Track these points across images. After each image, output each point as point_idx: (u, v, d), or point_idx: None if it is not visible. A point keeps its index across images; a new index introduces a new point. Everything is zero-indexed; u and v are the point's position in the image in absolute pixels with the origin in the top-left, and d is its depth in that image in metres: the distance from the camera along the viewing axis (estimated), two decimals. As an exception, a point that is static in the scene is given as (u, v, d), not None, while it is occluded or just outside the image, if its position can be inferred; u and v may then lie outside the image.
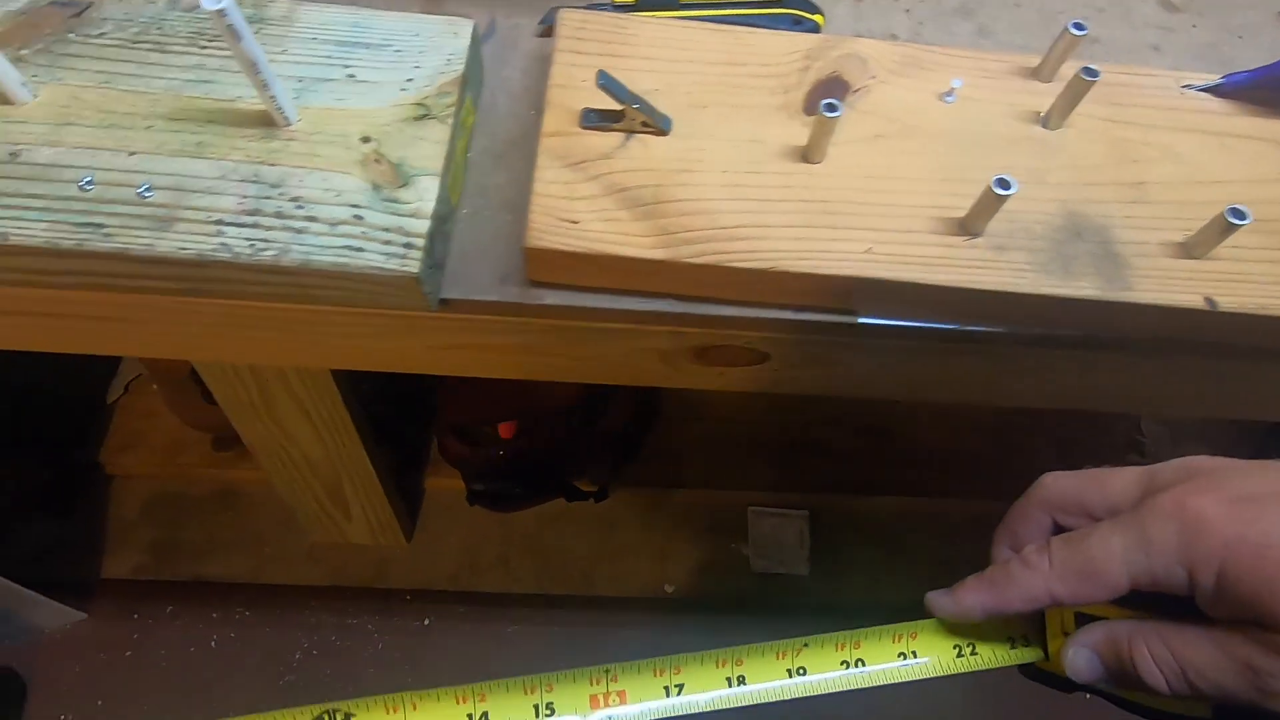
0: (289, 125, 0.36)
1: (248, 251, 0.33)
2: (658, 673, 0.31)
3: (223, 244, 0.33)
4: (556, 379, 0.43)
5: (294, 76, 0.38)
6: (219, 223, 0.34)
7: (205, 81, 0.37)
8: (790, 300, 0.37)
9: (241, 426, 0.72)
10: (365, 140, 0.37)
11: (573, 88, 0.39)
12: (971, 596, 0.29)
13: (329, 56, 0.39)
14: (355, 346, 0.40)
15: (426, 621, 1.18)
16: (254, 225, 0.34)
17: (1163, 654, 0.24)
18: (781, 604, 1.25)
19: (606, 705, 0.30)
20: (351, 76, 0.38)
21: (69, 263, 0.33)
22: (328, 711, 0.30)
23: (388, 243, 0.34)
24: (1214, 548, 0.23)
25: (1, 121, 0.35)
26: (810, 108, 0.40)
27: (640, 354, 0.41)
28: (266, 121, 0.37)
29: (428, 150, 0.36)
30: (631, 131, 0.38)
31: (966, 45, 0.49)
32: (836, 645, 0.30)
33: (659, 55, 0.41)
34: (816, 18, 0.46)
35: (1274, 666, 0.23)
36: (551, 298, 0.37)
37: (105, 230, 0.33)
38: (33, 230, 0.33)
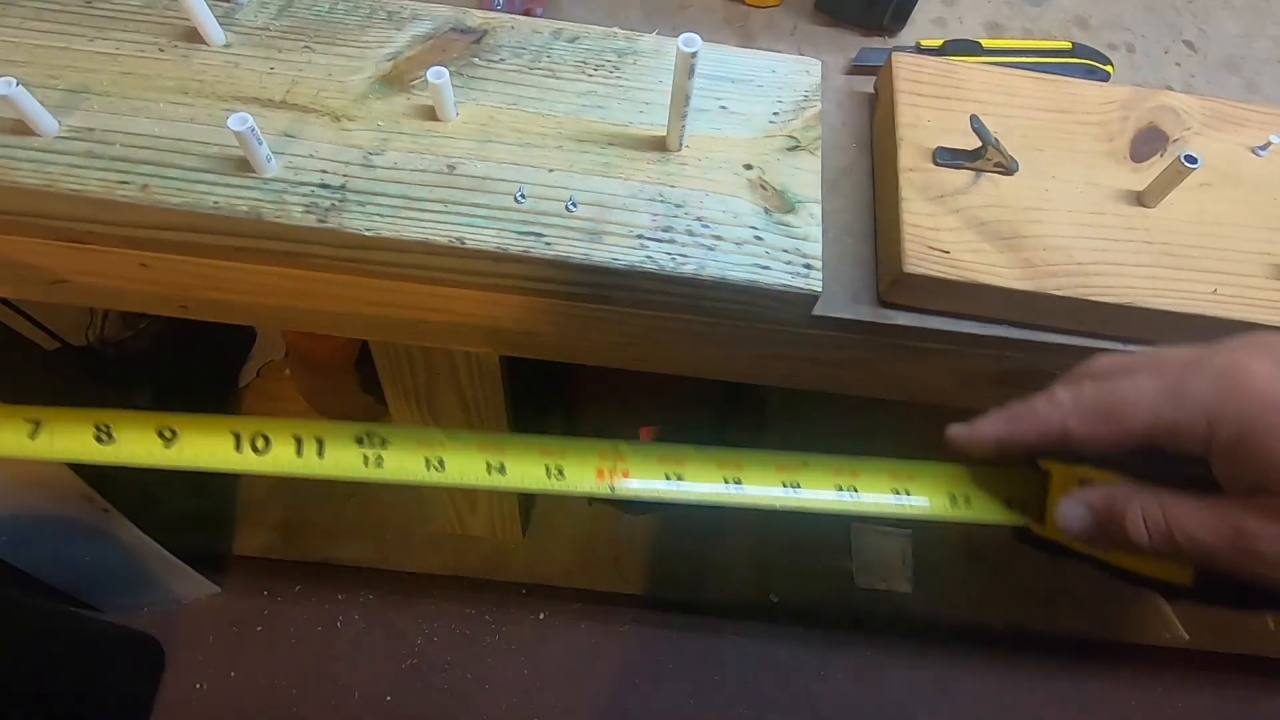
0: (679, 150, 0.40)
1: (670, 265, 0.37)
2: (661, 460, 0.33)
3: (648, 256, 0.37)
4: (871, 394, 0.47)
5: (675, 106, 0.42)
6: (640, 237, 0.37)
7: (599, 107, 0.41)
8: (1123, 333, 0.41)
9: (398, 414, 0.76)
10: (748, 167, 0.40)
11: (920, 127, 0.42)
12: (988, 426, 0.28)
13: (701, 89, 0.43)
14: (723, 356, 0.44)
15: (541, 615, 1.21)
16: (670, 241, 0.37)
17: (1155, 514, 0.24)
18: (884, 620, 1.27)
19: (611, 478, 0.32)
20: (724, 108, 0.42)
21: (509, 267, 0.37)
22: (367, 434, 0.33)
23: (789, 263, 0.37)
24: (1247, 403, 0.22)
25: (435, 136, 0.39)
26: (1137, 154, 0.43)
27: (949, 373, 0.45)
28: (659, 146, 0.40)
29: (806, 179, 0.40)
30: (981, 170, 0.41)
31: (1237, 98, 0.52)
32: (834, 470, 0.30)
33: (990, 100, 0.44)
34: (1108, 68, 0.49)
35: (1264, 529, 0.22)
36: (902, 318, 0.41)
37: (545, 239, 0.37)
38: (483, 236, 0.37)
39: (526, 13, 0.48)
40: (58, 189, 0.36)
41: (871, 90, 0.48)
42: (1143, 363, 0.26)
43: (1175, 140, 0.44)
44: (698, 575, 1.27)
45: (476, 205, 0.37)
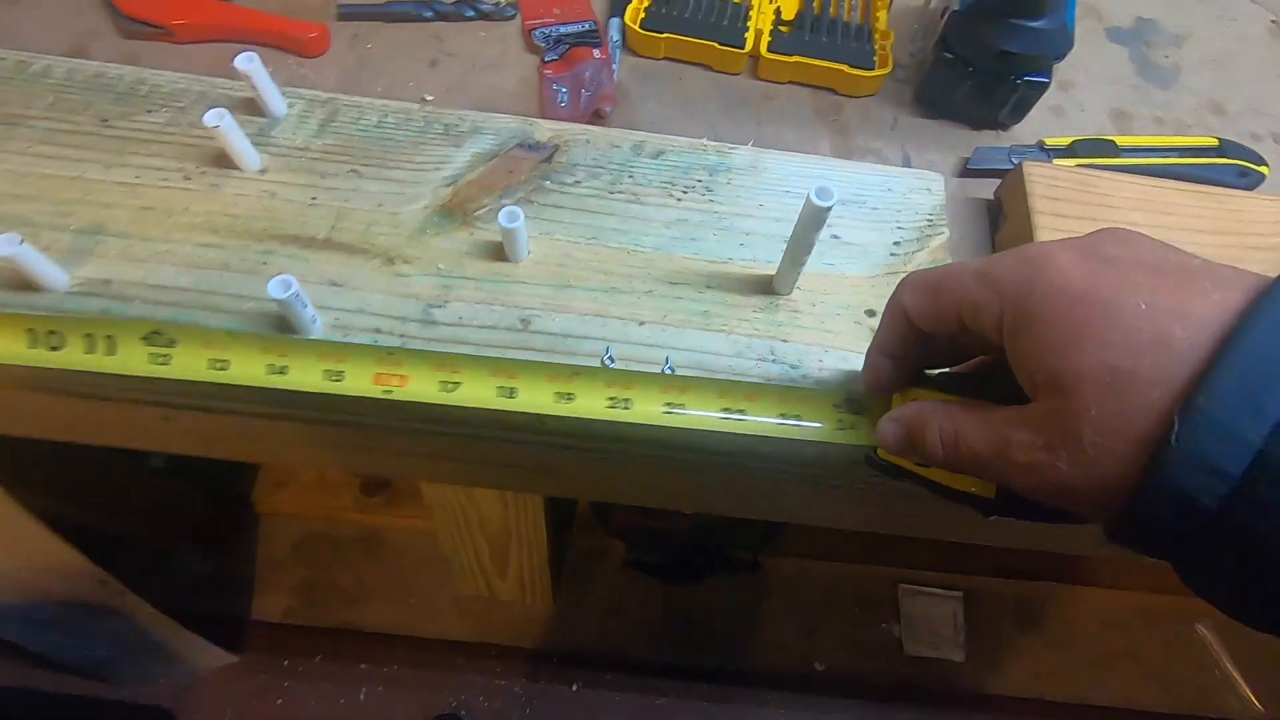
0: (789, 294, 0.34)
1: (791, 448, 0.31)
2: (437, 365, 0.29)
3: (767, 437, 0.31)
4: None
5: (780, 236, 0.36)
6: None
7: (691, 239, 0.35)
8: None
9: (430, 488, 0.70)
10: (870, 314, 0.34)
11: (1064, 256, 0.36)
12: (868, 357, 0.28)
13: (808, 213, 0.37)
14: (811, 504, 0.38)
15: (574, 687, 1.15)
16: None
17: (947, 428, 0.24)
18: (935, 691, 1.20)
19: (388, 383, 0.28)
20: (836, 238, 0.36)
21: (592, 441, 0.31)
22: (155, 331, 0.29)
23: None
24: (1039, 287, 0.22)
25: (506, 282, 0.34)
26: (1321, 288, 0.37)
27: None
28: (764, 288, 0.34)
29: (939, 328, 0.34)
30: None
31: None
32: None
33: (1141, 222, 0.38)
34: (1262, 169, 0.43)
35: (1022, 438, 0.22)
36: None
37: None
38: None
39: (596, 114, 0.42)
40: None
41: (992, 198, 0.42)
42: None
43: (1364, 267, 0.37)
44: (738, 643, 1.21)
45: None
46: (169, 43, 0.43)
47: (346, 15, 0.46)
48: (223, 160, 0.35)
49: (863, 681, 1.18)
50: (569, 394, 0.30)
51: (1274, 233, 0.38)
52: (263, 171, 0.36)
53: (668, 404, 0.29)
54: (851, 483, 0.33)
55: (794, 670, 1.18)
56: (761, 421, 0.29)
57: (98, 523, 0.98)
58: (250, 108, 0.37)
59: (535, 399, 0.30)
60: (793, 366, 0.33)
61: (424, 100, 0.43)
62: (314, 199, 0.35)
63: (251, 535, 1.22)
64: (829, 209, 0.28)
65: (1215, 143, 0.43)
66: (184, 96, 0.37)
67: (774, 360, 0.33)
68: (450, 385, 0.29)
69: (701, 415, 0.29)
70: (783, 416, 0.29)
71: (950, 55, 0.42)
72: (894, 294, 0.27)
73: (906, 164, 0.44)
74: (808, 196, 0.28)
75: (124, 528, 1.04)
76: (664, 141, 0.38)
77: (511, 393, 0.30)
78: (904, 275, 0.26)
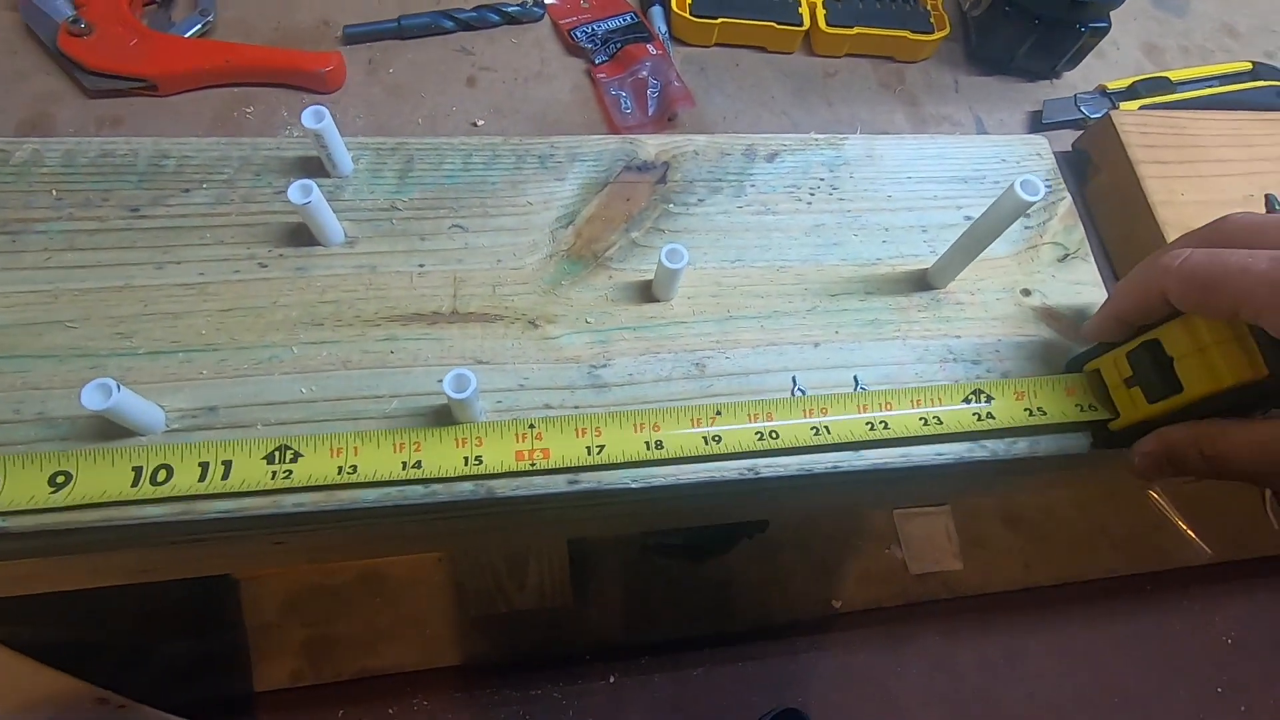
0: (945, 287, 0.33)
1: (1003, 449, 0.30)
2: (579, 433, 0.28)
3: (979, 444, 0.30)
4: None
5: (918, 226, 0.34)
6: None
7: (834, 244, 0.33)
8: None
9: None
10: (1026, 293, 0.33)
11: (1175, 204, 0.37)
12: (1107, 307, 0.29)
13: (936, 197, 0.35)
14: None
15: (611, 679, 1.14)
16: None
17: (1209, 452, 0.26)
18: (943, 603, 1.28)
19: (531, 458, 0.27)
20: (969, 219, 0.35)
21: (801, 482, 0.29)
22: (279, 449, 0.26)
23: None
24: None
25: (664, 325, 0.30)
26: (1392, 198, 0.39)
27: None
28: (919, 284, 0.33)
29: (1093, 297, 0.34)
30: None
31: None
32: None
33: (1232, 156, 0.39)
34: (1296, 86, 0.45)
35: None
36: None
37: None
38: (778, 462, 0.28)
39: (670, 119, 0.39)
40: (194, 519, 0.25)
41: (1071, 149, 0.42)
42: (1267, 237, 0.25)
43: None
44: (761, 601, 1.23)
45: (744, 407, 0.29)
46: (153, 97, 0.36)
47: (353, 38, 0.39)
48: (299, 237, 0.30)
49: (879, 609, 1.24)
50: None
51: (1342, 151, 0.40)
52: (350, 243, 0.30)
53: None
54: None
55: (817, 613, 1.22)
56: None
57: (74, 635, 0.88)
58: (308, 168, 0.31)
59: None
60: (974, 363, 0.31)
61: (474, 125, 0.38)
62: (421, 266, 0.30)
63: (234, 606, 1.12)
64: (1034, 203, 0.27)
65: (1249, 66, 0.45)
66: (223, 166, 0.31)
67: (954, 359, 0.31)
68: (596, 448, 0.27)
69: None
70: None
71: (1010, 8, 0.41)
72: (1150, 273, 0.26)
73: (980, 127, 0.43)
74: (1012, 188, 0.27)
75: (101, 633, 0.93)
76: (774, 142, 0.35)
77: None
78: (1167, 256, 0.25)
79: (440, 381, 0.25)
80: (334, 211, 0.30)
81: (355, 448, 0.26)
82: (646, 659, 1.17)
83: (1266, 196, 0.34)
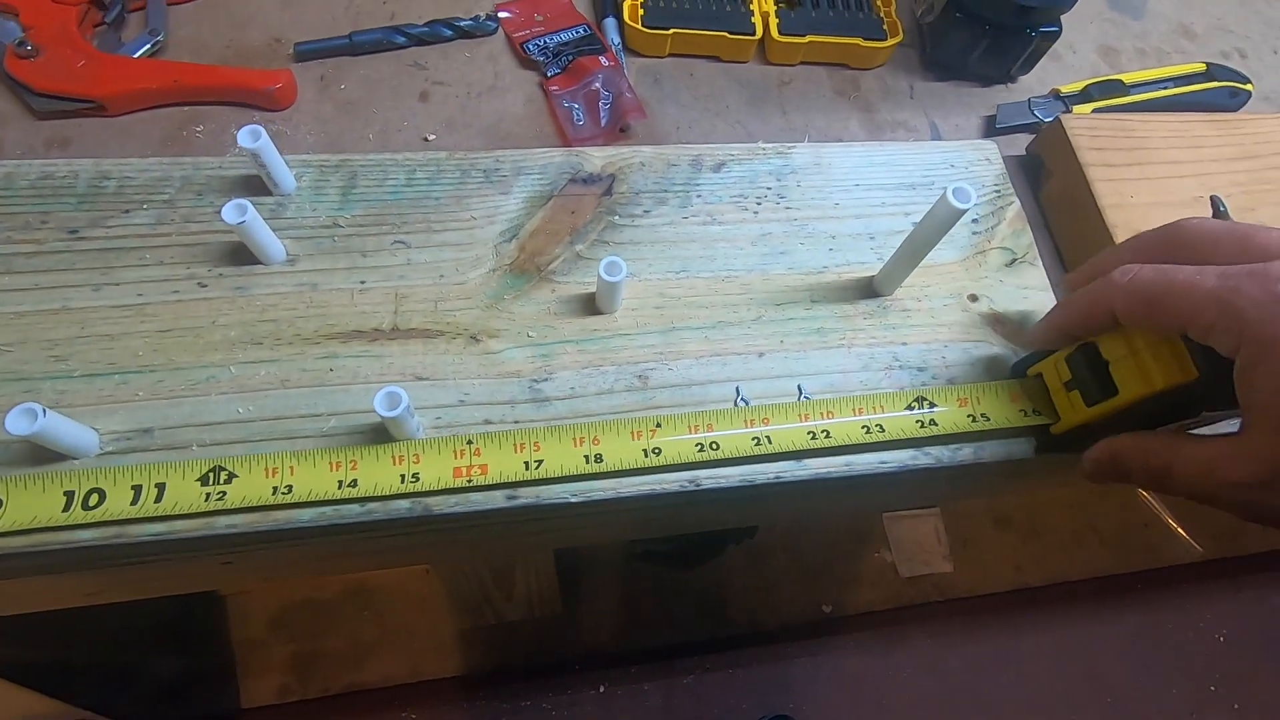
0: (892, 295, 0.33)
1: (948, 456, 0.30)
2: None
3: (923, 451, 0.30)
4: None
5: (865, 234, 0.34)
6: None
7: (781, 253, 0.33)
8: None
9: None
10: (974, 299, 0.34)
11: (1125, 206, 0.37)
12: (1053, 316, 0.29)
13: (884, 204, 0.35)
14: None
15: (601, 689, 1.14)
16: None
17: (1154, 463, 0.26)
18: (934, 605, 1.27)
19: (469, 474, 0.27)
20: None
21: (738, 493, 0.29)
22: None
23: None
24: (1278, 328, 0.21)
25: (607, 338, 0.30)
26: (1342, 196, 0.39)
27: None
28: (866, 291, 0.33)
29: (1040, 302, 0.34)
30: (1209, 248, 0.36)
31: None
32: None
33: (1181, 158, 0.39)
34: (1248, 87, 0.45)
35: (1240, 474, 0.23)
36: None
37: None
38: (719, 473, 0.28)
39: (622, 130, 0.39)
40: (128, 542, 0.25)
41: (1025, 153, 0.42)
42: (1220, 248, 0.25)
43: (1368, 169, 0.40)
44: (751, 606, 1.23)
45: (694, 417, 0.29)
46: (102, 117, 0.36)
47: (305, 55, 0.40)
48: (240, 256, 0.30)
49: (870, 613, 1.24)
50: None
51: (1289, 149, 0.40)
52: (291, 261, 0.30)
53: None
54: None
55: (807, 618, 1.21)
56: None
57: (58, 657, 0.87)
58: (251, 187, 0.31)
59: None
60: (919, 369, 0.31)
61: (425, 140, 0.38)
62: (363, 283, 0.30)
63: (221, 622, 1.12)
64: (966, 210, 0.27)
65: (1203, 68, 0.45)
66: (165, 186, 0.31)
67: (899, 367, 0.31)
68: (535, 463, 0.27)
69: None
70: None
71: (962, 15, 0.42)
72: (1097, 290, 0.26)
73: (935, 132, 0.43)
74: (944, 197, 0.27)
75: (84, 653, 0.92)
76: (721, 152, 0.35)
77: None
78: (1116, 272, 0.25)
79: (374, 398, 0.25)
80: (275, 229, 0.30)
81: (291, 467, 0.26)
82: (636, 667, 1.16)
83: (1211, 198, 0.34)
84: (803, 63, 0.44)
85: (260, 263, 0.30)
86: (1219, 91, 0.44)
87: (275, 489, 0.26)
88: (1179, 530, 1.37)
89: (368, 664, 1.10)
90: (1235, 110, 0.45)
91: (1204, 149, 0.39)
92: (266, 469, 0.26)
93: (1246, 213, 0.38)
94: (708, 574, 1.20)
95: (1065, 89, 0.44)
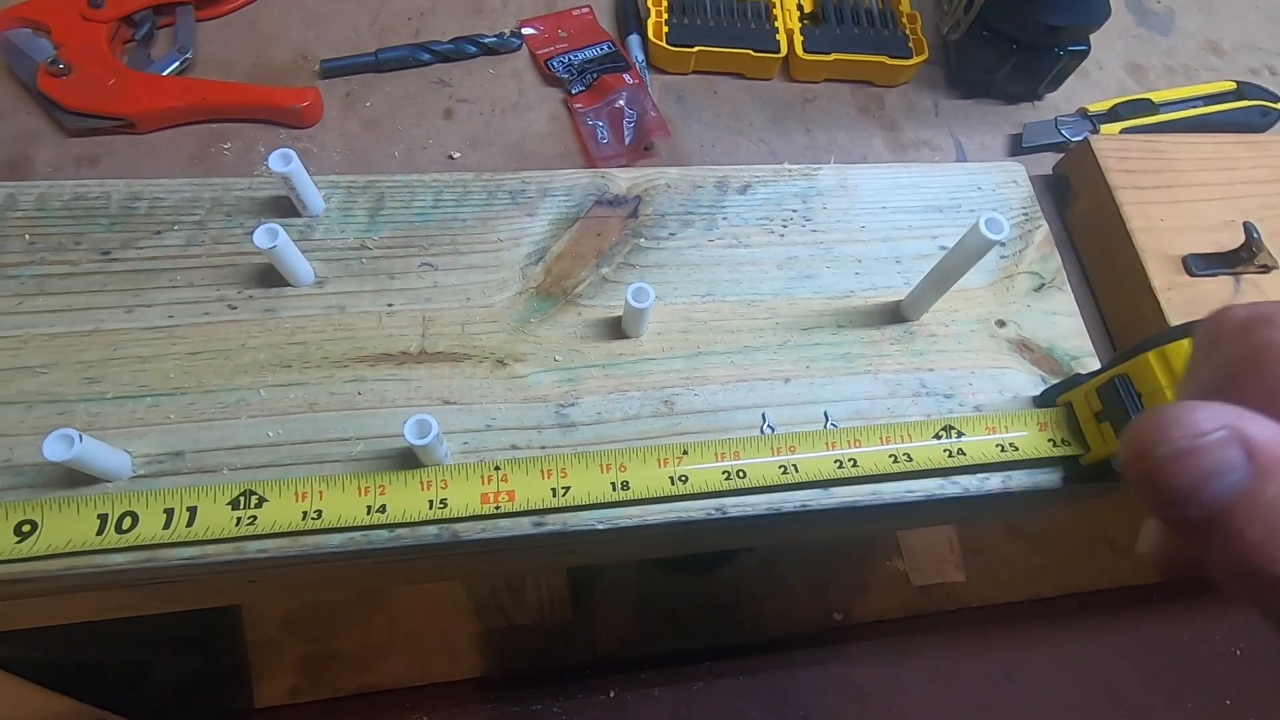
0: (918, 320, 0.33)
1: (976, 485, 0.30)
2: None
3: (951, 480, 0.29)
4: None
5: (891, 258, 0.34)
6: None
7: (807, 277, 0.33)
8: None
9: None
10: (1001, 324, 0.33)
11: (1154, 230, 0.37)
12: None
13: (910, 227, 0.35)
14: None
15: (612, 694, 1.14)
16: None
17: None
18: (945, 614, 1.27)
19: (496, 501, 0.27)
20: (944, 248, 0.35)
21: (765, 521, 0.29)
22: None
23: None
24: None
25: (633, 362, 0.30)
26: (1375, 220, 0.39)
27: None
28: (893, 316, 0.33)
29: (1069, 327, 0.33)
30: (1241, 274, 0.36)
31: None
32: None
33: (1212, 180, 0.38)
34: (1278, 105, 0.44)
35: None
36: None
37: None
38: (746, 501, 0.28)
39: (646, 149, 0.39)
40: (160, 566, 0.25)
41: (1051, 173, 0.41)
42: None
43: (1402, 193, 0.40)
44: (761, 614, 1.23)
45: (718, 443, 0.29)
46: (132, 135, 0.36)
47: (331, 72, 0.40)
48: (269, 278, 0.30)
49: (880, 621, 1.23)
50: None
51: (1322, 172, 0.40)
52: (320, 283, 0.31)
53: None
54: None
55: (817, 626, 1.21)
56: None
57: (74, 656, 0.88)
58: (280, 208, 0.32)
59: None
60: (946, 396, 0.31)
61: (450, 158, 0.38)
62: (390, 305, 0.30)
63: (235, 622, 1.13)
64: (998, 242, 0.26)
65: (1234, 86, 0.45)
66: (194, 207, 0.31)
67: (927, 394, 0.31)
68: (562, 490, 0.27)
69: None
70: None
71: (989, 33, 0.41)
72: (1244, 336, 0.17)
73: (959, 151, 0.43)
74: (976, 227, 0.27)
75: (101, 654, 0.93)
76: (747, 173, 0.35)
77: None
78: (1208, 317, 0.17)
79: (404, 425, 0.25)
80: (304, 251, 0.30)
81: (320, 492, 0.26)
82: (646, 673, 1.16)
83: (1245, 225, 0.34)
84: (827, 80, 0.44)
85: (289, 285, 0.30)
86: (1250, 111, 0.44)
87: (305, 514, 0.26)
88: (1195, 542, 1.35)
89: (378, 666, 1.10)
90: (1266, 129, 0.45)
91: (1235, 170, 0.39)
92: (296, 493, 0.26)
93: (1277, 236, 0.37)
94: (719, 581, 1.20)
95: (1093, 108, 0.43)
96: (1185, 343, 0.26)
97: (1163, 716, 1.23)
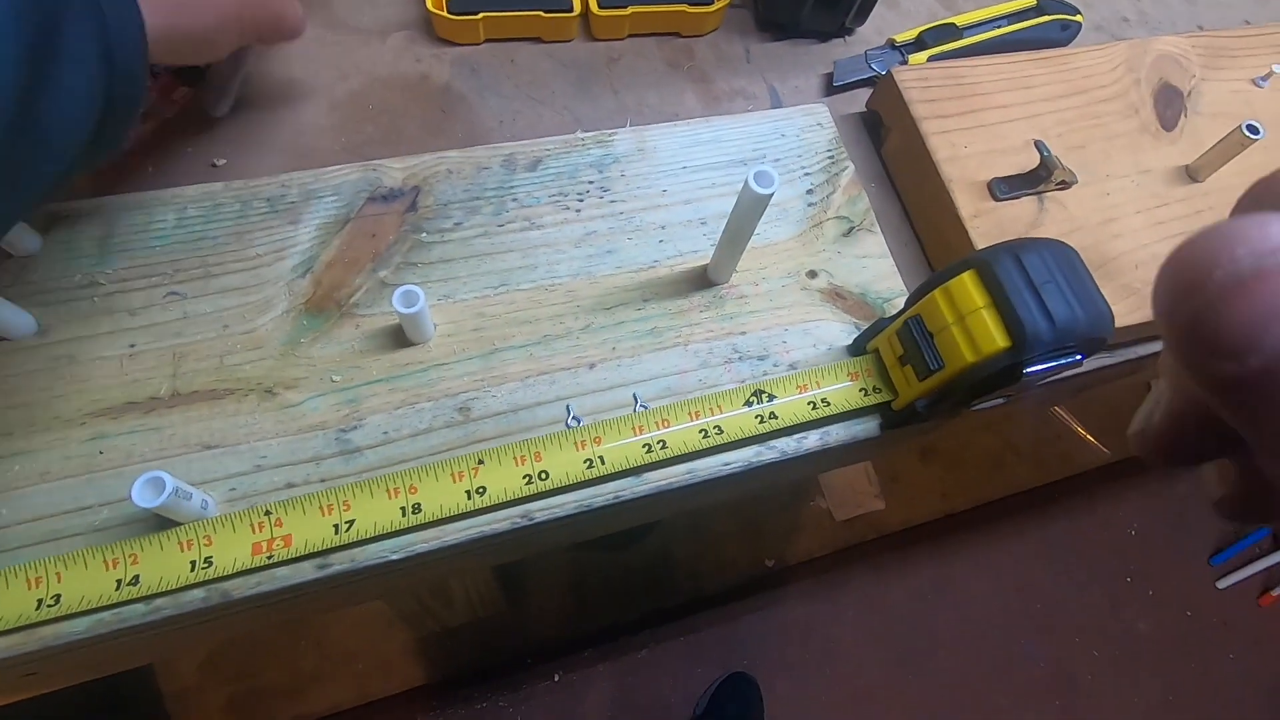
0: (728, 282, 0.31)
1: (793, 447, 0.29)
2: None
3: (768, 445, 0.28)
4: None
5: (696, 220, 0.32)
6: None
7: (608, 253, 0.31)
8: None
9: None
10: (812, 275, 0.32)
11: (959, 158, 0.36)
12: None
13: (714, 185, 0.33)
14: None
15: (557, 678, 1.14)
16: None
17: None
18: (871, 543, 1.31)
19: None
20: (750, 203, 0.33)
21: (581, 520, 0.28)
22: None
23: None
24: None
25: (422, 370, 0.28)
26: (1165, 122, 0.39)
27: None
28: (701, 282, 0.31)
29: (880, 269, 0.33)
30: (1043, 193, 0.36)
31: (1186, 20, 0.50)
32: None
33: (1011, 101, 0.38)
34: (1078, 18, 0.45)
35: None
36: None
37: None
38: (551, 504, 0.26)
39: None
40: None
41: (865, 109, 0.41)
42: None
43: (1189, 94, 0.40)
44: (695, 573, 1.24)
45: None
46: None
47: None
48: (-24, 334, 0.26)
49: (810, 561, 1.27)
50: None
51: (1111, 82, 0.40)
52: (42, 333, 0.27)
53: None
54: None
55: (750, 576, 1.23)
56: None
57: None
58: (-16, 251, 0.27)
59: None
60: (760, 358, 0.30)
61: (214, 166, 0.34)
62: (132, 346, 0.27)
63: (146, 677, 1.06)
64: (770, 195, 0.25)
65: (1034, 2, 0.45)
66: (-126, 262, 0.27)
67: (740, 359, 0.30)
68: (345, 524, 0.24)
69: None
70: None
71: (786, -29, 0.40)
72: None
73: (774, 97, 0.41)
74: (745, 184, 0.25)
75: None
76: (534, 147, 0.33)
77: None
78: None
79: (130, 488, 0.22)
80: (19, 298, 0.26)
81: (58, 574, 0.23)
82: (589, 651, 1.16)
83: (1036, 143, 0.34)
84: (631, 35, 0.41)
85: (2, 339, 0.26)
86: (1050, 25, 0.44)
87: (40, 601, 0.23)
88: (1088, 437, 1.44)
89: (310, 694, 1.06)
90: (1068, 43, 0.45)
91: (1034, 89, 0.39)
92: (28, 580, 0.23)
93: (1075, 150, 0.38)
94: (648, 549, 1.20)
95: (900, 38, 0.42)
96: (966, 276, 0.25)
97: (1075, 602, 1.31)
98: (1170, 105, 0.40)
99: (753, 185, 0.25)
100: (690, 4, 0.40)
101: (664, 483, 0.27)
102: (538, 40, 0.41)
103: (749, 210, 0.26)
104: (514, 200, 0.32)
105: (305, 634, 1.10)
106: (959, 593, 1.31)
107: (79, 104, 0.21)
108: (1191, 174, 0.38)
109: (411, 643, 1.11)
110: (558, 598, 1.18)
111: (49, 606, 0.23)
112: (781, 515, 1.31)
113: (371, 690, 1.08)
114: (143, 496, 0.22)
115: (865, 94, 0.42)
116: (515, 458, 0.26)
